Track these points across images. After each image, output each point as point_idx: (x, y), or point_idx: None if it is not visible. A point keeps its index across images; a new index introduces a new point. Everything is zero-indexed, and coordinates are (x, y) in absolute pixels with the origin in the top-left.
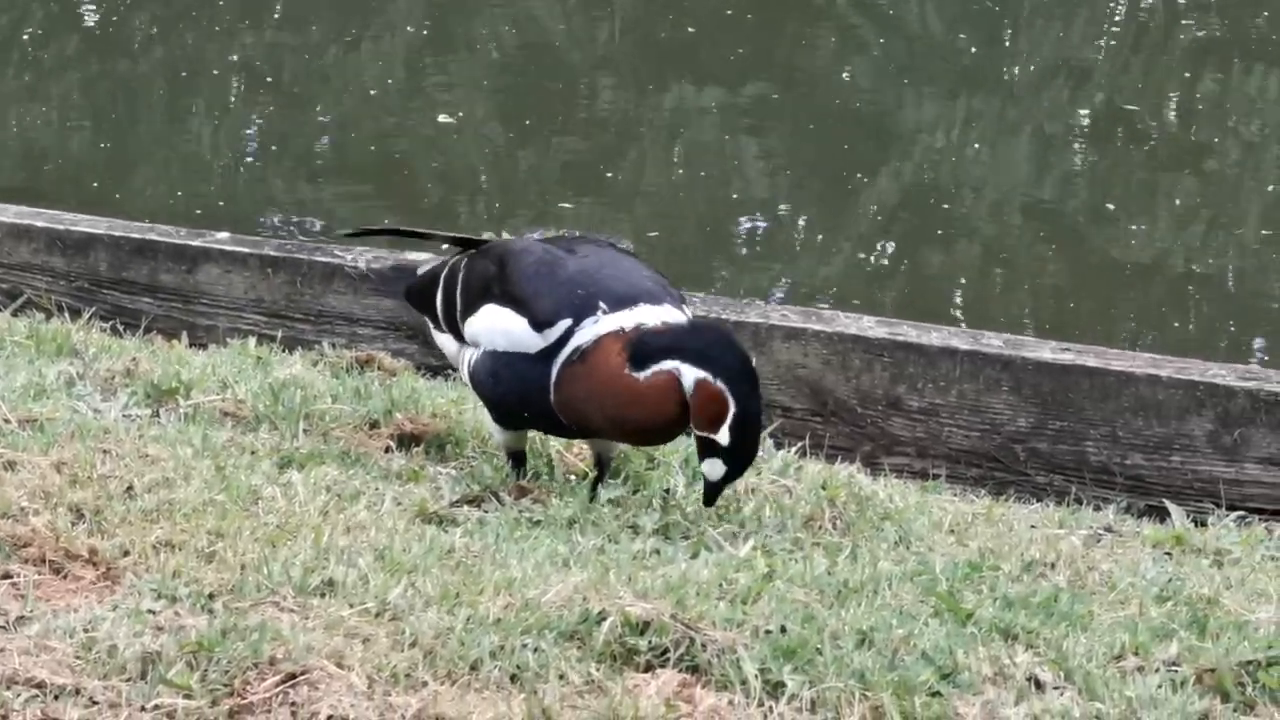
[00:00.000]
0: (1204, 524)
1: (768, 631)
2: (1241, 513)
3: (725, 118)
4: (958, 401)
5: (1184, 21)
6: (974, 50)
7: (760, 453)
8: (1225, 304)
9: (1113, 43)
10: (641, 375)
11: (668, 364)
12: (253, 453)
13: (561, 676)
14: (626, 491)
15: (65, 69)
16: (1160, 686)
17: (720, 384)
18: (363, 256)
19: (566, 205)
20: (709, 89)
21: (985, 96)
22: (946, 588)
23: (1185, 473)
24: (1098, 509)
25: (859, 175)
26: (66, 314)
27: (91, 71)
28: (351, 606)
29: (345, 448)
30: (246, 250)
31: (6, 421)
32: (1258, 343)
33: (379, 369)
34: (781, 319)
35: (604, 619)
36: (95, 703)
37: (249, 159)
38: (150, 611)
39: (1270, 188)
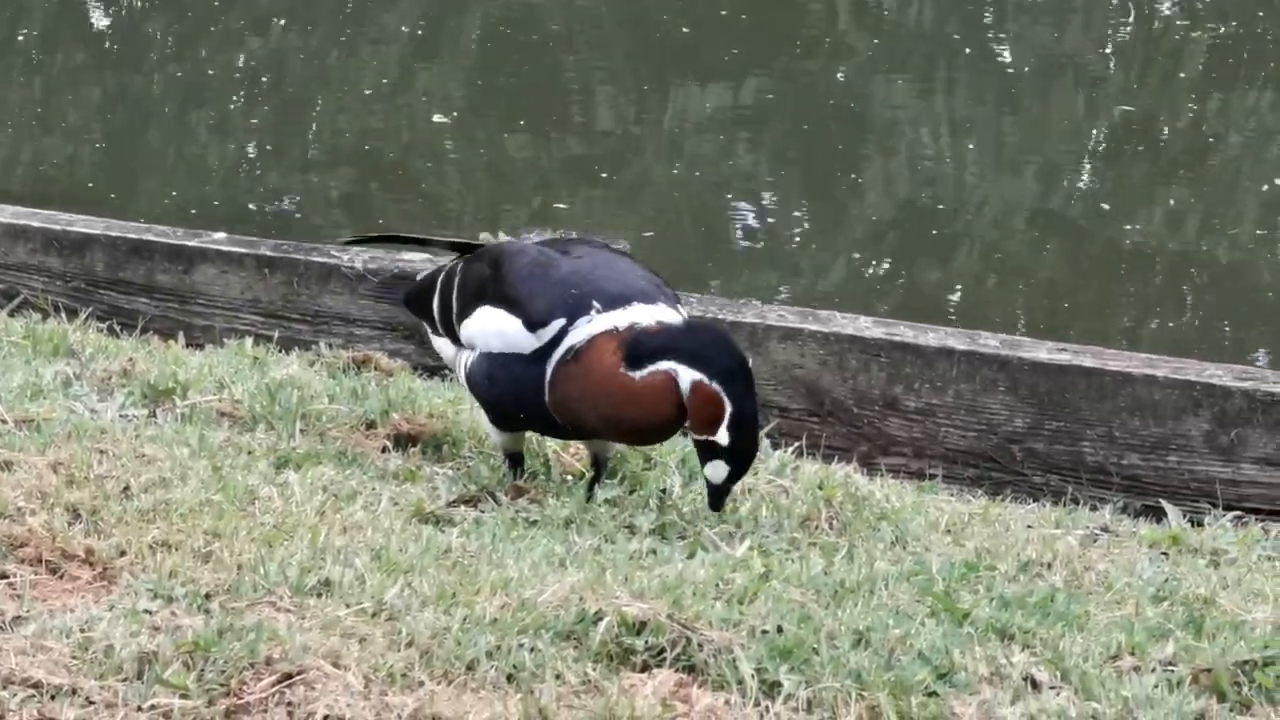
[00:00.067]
0: (1200, 524)
1: (764, 631)
2: (1238, 513)
3: (723, 118)
4: (954, 402)
5: (1181, 22)
6: (969, 51)
7: (758, 452)
8: (1223, 303)
9: (1111, 44)
10: (637, 375)
11: (664, 364)
12: (249, 453)
13: (558, 676)
14: (623, 491)
15: (65, 69)
16: (1156, 686)
17: (715, 385)
18: (359, 257)
19: (562, 205)
20: (708, 88)
21: (983, 96)
22: (943, 588)
23: (1182, 473)
24: (1094, 509)
25: (853, 176)
26: (63, 314)
27: (91, 72)
28: (348, 606)
29: (342, 448)
30: (243, 250)
31: (3, 421)
32: (1257, 343)
33: (376, 369)
34: (778, 319)
35: (600, 619)
36: (91, 703)
37: (245, 159)
38: (147, 611)
39: (1265, 187)
